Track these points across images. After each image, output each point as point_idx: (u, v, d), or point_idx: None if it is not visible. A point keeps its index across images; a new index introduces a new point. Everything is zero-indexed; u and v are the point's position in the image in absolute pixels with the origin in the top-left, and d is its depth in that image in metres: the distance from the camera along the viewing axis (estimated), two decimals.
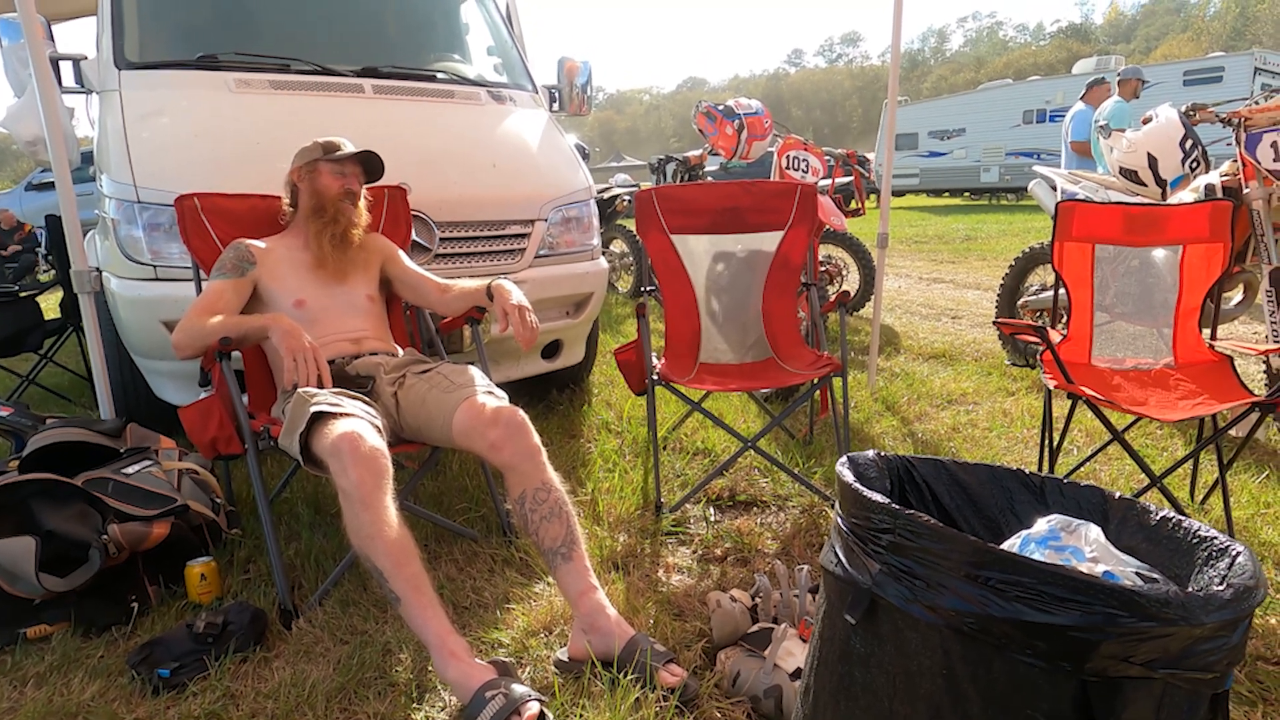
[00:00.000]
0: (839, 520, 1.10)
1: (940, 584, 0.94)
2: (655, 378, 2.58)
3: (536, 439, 1.93)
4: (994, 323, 2.47)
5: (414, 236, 2.79)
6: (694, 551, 2.34)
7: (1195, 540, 1.12)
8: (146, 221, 2.56)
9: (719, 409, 3.54)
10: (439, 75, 3.51)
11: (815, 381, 2.61)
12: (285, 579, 2.01)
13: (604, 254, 3.53)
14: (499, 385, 2.13)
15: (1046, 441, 2.54)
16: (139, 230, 2.55)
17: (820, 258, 5.59)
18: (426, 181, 2.87)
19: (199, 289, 2.36)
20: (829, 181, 4.74)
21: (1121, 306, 2.76)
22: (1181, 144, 3.51)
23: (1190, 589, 1.06)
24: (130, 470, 2.20)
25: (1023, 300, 4.22)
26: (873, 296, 4.20)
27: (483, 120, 3.38)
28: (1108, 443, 2.68)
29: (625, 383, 2.84)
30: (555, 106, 3.96)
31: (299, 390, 1.91)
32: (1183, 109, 3.49)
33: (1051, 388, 2.38)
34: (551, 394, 3.85)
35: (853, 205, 5.31)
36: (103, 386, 2.73)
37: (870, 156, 22.15)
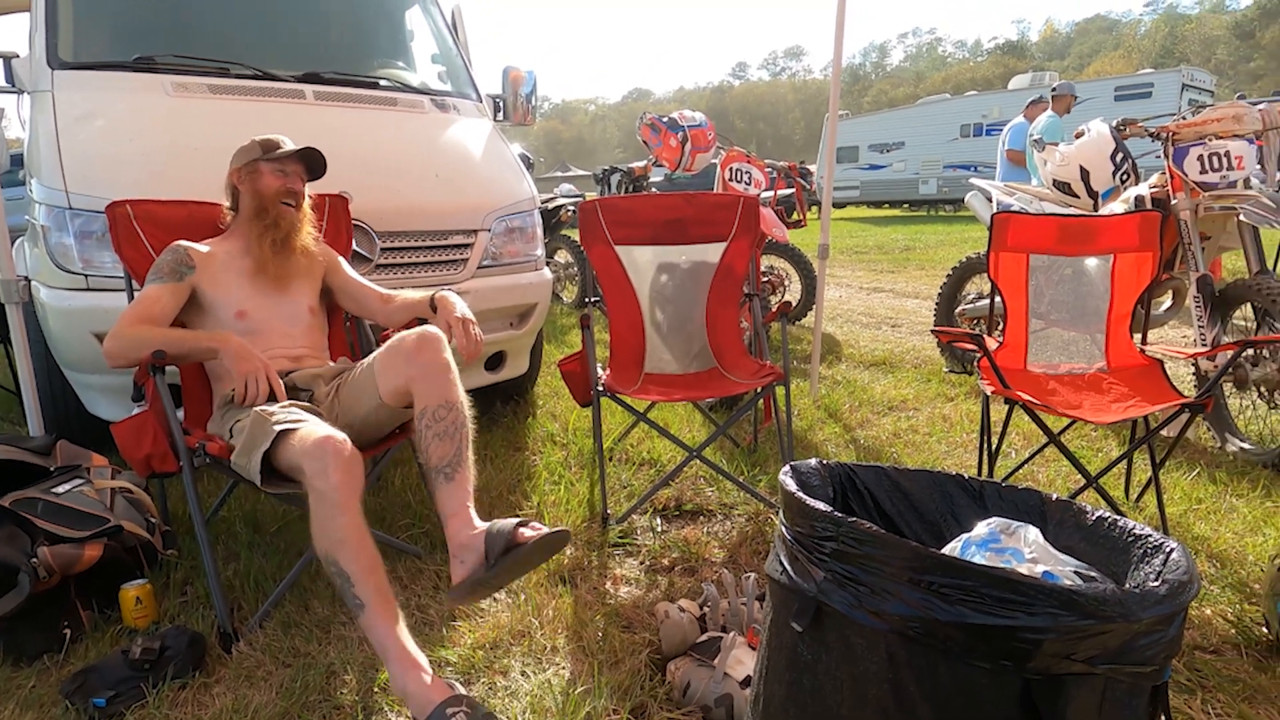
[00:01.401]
0: (783, 529, 1.11)
1: (884, 590, 0.95)
2: (600, 389, 2.57)
3: (448, 355, 1.91)
4: (932, 331, 2.52)
5: (355, 246, 2.74)
6: (641, 562, 2.34)
7: (1130, 538, 1.15)
8: (78, 229, 2.46)
9: (664, 419, 3.55)
10: (382, 82, 3.46)
11: (759, 390, 2.63)
12: (224, 601, 1.94)
13: (548, 265, 3.52)
14: None
15: (985, 445, 2.60)
16: (70, 238, 2.46)
17: (763, 268, 5.67)
18: (368, 190, 2.83)
19: (131, 299, 2.28)
20: (771, 193, 4.80)
21: (1056, 313, 2.84)
22: (1112, 157, 3.65)
23: (1127, 586, 1.09)
24: (61, 490, 2.10)
25: (960, 308, 4.33)
26: (814, 306, 4.26)
27: (426, 129, 3.34)
28: (1044, 445, 2.77)
29: (570, 394, 2.83)
30: (500, 116, 3.93)
31: (255, 410, 1.87)
32: (1113, 124, 3.63)
33: (989, 393, 2.44)
34: (496, 406, 3.81)
35: (794, 217, 5.38)
36: (31, 402, 2.61)
37: (813, 169, 22.61)
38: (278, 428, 1.79)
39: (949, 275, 4.39)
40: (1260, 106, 3.14)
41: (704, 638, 1.77)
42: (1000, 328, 2.87)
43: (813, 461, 1.25)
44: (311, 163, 2.34)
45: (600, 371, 2.66)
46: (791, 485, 1.10)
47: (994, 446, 2.62)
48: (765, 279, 5.58)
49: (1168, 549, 1.07)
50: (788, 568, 1.07)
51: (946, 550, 1.17)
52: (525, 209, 3.28)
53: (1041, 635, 0.87)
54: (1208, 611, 1.98)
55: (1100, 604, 0.87)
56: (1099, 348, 2.79)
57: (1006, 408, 2.52)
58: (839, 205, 23.35)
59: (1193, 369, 3.35)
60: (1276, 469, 2.86)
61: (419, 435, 1.84)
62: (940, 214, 21.01)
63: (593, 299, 2.95)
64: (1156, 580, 1.02)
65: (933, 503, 1.31)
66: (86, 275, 2.47)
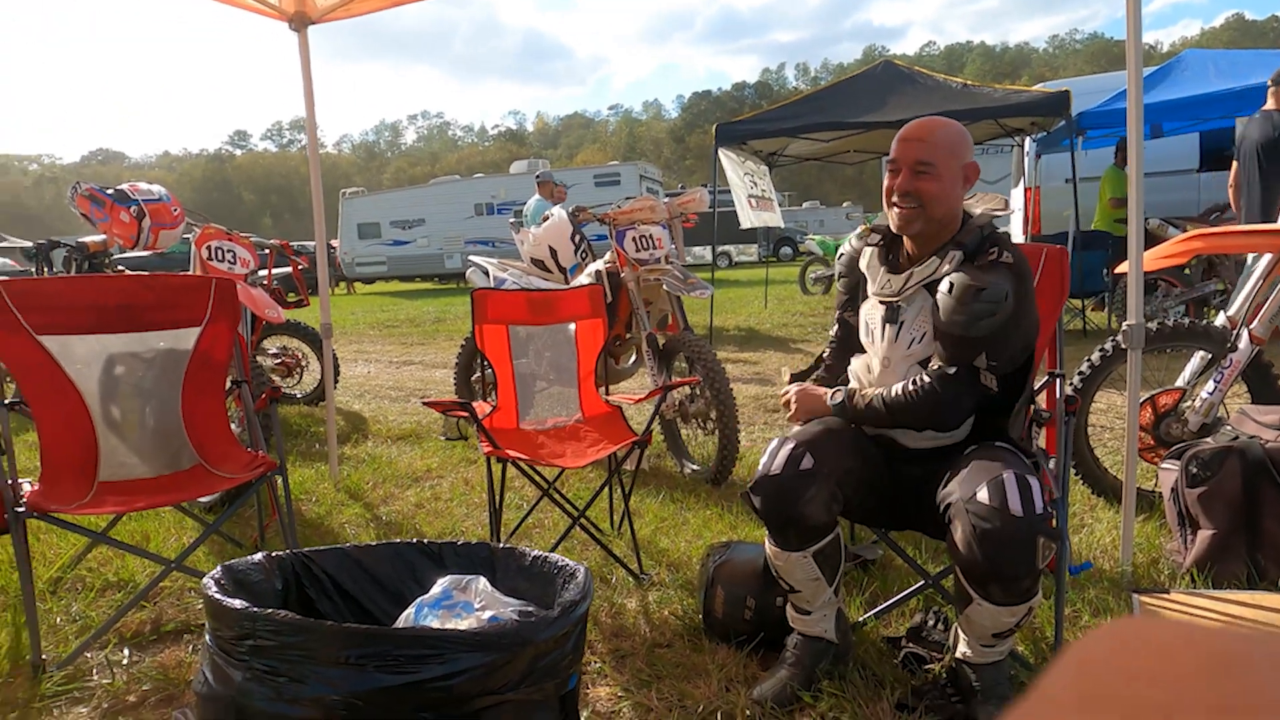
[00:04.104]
0: (207, 637, 1.08)
1: (305, 676, 0.97)
2: (21, 509, 2.13)
3: None
4: (423, 403, 2.66)
5: None
6: (96, 707, 1.98)
7: (555, 570, 1.36)
8: None
9: (145, 529, 3.12)
10: None
11: (254, 482, 2.49)
12: None
13: None
14: None
15: (491, 504, 2.80)
16: None
17: (275, 350, 5.41)
18: None
19: None
20: (266, 272, 4.59)
21: (554, 374, 3.21)
22: (571, 238, 4.25)
23: (551, 612, 1.28)
24: None
25: (475, 375, 4.62)
26: (333, 385, 4.19)
27: None
28: (541, 496, 3.07)
29: None
30: None
31: None
32: (570, 210, 4.24)
33: (485, 454, 2.65)
34: None
35: (291, 297, 5.20)
36: None
37: (335, 244, 22.10)
38: None
39: (463, 345, 4.66)
40: (664, 200, 3.95)
41: None
42: (494, 392, 3.13)
43: (257, 557, 1.24)
44: None
45: (26, 486, 2.23)
46: (211, 588, 1.07)
47: (499, 503, 2.84)
48: (279, 361, 5.31)
49: (578, 574, 1.29)
50: (209, 678, 1.03)
51: (401, 618, 1.25)
52: None
53: (452, 680, 0.97)
54: (666, 612, 2.38)
55: (500, 638, 1.01)
56: (576, 401, 3.21)
57: (501, 465, 2.75)
58: (368, 281, 23.31)
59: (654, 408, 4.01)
60: (714, 482, 3.57)
61: None
62: (470, 286, 22.11)
63: (12, 401, 2.45)
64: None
65: (396, 573, 1.38)
66: None
